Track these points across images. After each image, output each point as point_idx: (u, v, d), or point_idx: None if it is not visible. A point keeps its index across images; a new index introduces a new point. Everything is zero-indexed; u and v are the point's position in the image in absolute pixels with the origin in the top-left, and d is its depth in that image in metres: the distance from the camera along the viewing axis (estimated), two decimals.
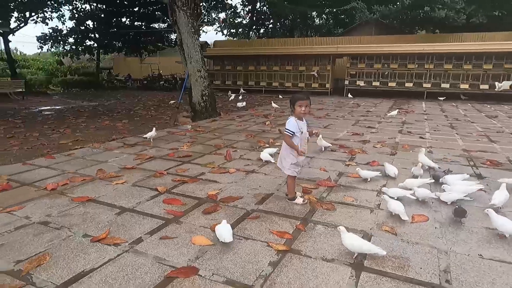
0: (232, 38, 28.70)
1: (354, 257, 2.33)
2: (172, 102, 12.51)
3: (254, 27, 30.40)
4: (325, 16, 29.23)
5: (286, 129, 3.11)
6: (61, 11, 25.56)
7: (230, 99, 12.67)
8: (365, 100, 13.76)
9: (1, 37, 22.31)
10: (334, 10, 24.40)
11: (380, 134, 6.70)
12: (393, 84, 14.84)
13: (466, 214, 2.75)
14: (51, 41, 26.23)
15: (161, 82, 22.65)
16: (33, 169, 4.40)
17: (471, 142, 6.00)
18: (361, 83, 15.28)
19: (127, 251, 2.42)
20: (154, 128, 6.07)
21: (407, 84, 14.71)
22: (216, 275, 2.14)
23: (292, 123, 3.08)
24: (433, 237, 2.63)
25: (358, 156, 5.01)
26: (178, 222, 2.88)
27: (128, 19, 27.84)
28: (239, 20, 28.21)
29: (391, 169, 3.95)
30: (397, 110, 9.80)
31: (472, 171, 4.32)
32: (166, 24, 26.65)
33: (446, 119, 8.85)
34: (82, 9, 26.87)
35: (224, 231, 2.48)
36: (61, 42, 26.73)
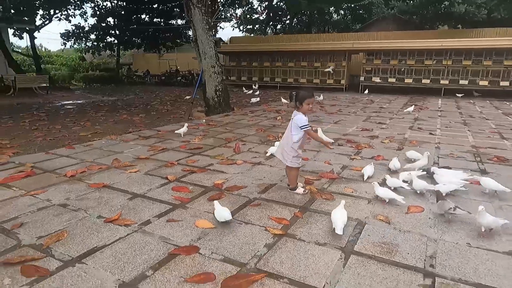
0: (249, 34, 28.86)
1: (346, 243, 2.48)
2: (187, 97, 12.80)
3: (271, 23, 30.41)
4: (342, 12, 28.93)
5: (304, 125, 3.21)
6: (83, 9, 26.41)
7: (247, 93, 13.23)
8: (380, 97, 13.66)
9: (27, 34, 23.27)
10: (352, 5, 24.15)
11: (389, 130, 6.74)
12: (410, 81, 14.64)
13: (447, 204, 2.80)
14: (74, 37, 27.13)
15: (178, 78, 23.08)
16: (55, 158, 4.72)
17: (482, 139, 5.96)
18: (377, 80, 15.14)
19: (136, 231, 2.64)
20: (186, 124, 6.15)
21: (424, 81, 14.48)
22: (215, 254, 2.33)
23: (304, 119, 3.20)
24: (426, 226, 2.74)
25: (364, 151, 5.10)
26: (184, 207, 3.09)
27: (148, 16, 28.40)
28: (256, 16, 28.31)
29: (393, 163, 4.05)
30: (413, 106, 9.73)
31: (477, 166, 4.35)
32: (184, 21, 27.04)
33: (460, 116, 8.75)
34: (103, 6, 27.62)
35: (221, 211, 2.70)
36: (83, 39, 27.64)
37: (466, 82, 13.83)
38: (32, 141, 6.52)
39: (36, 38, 26.61)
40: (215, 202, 2.85)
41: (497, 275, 2.11)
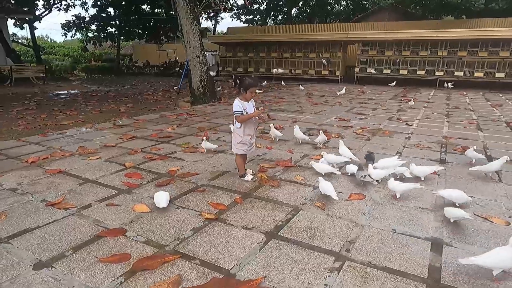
0: (248, 25, 28.66)
1: (272, 228, 2.52)
2: (176, 87, 12.84)
3: (272, 13, 30.14)
4: (344, 2, 28.56)
5: (235, 111, 3.28)
6: None
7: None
8: (373, 88, 13.55)
9: (27, 24, 23.41)
10: None
11: (367, 121, 6.71)
12: (405, 72, 14.47)
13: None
14: (75, 28, 27.26)
15: (176, 69, 23.07)
16: (24, 145, 4.81)
17: (457, 130, 5.92)
18: (372, 71, 15.00)
19: (73, 214, 2.71)
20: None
21: (419, 72, 14.30)
22: (140, 236, 2.39)
23: (237, 105, 3.25)
24: (359, 213, 2.76)
25: (332, 141, 5.09)
26: (130, 192, 3.15)
27: (148, 6, 28.33)
28: (256, 6, 28.06)
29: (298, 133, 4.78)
30: (412, 99, 9.62)
31: (439, 156, 4.35)
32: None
33: (446, 107, 8.66)
34: None
35: (159, 197, 2.75)
36: (84, 29, 27.75)
37: (461, 73, 13.63)
38: (14, 129, 6.66)
39: (37, 28, 26.86)
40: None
41: (408, 260, 2.13)
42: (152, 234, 2.42)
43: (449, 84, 12.97)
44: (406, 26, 15.44)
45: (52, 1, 23.80)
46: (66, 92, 13.92)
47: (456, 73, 13.71)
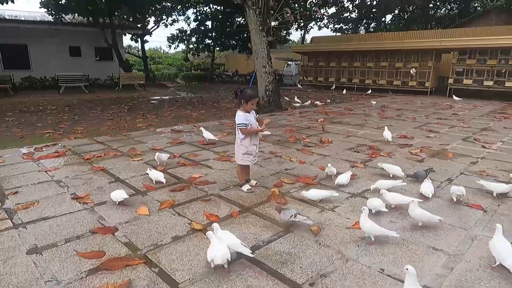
0: (336, 34, 27.94)
1: (251, 246, 2.43)
2: None
3: (365, 21, 28.87)
4: (449, 6, 25.70)
5: (239, 123, 3.28)
6: (186, 14, 29.42)
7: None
8: (467, 102, 11.83)
9: (139, 38, 27.09)
10: None
11: (434, 140, 5.91)
12: None
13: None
14: (178, 40, 30.49)
15: None
16: (92, 143, 5.57)
17: None
18: (470, 82, 13.12)
19: (87, 209, 3.04)
20: (202, 128, 5.91)
21: None
22: (124, 237, 2.56)
23: (241, 117, 3.24)
24: (354, 245, 2.47)
25: (377, 159, 4.65)
26: (144, 194, 3.39)
27: (243, 19, 30.04)
28: (346, 14, 27.22)
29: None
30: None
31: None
32: (277, 23, 27.72)
33: None
34: (203, 12, 30.27)
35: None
36: (185, 42, 30.84)
37: None
38: (100, 129, 7.70)
39: (148, 41, 30.69)
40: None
41: None
42: (136, 236, 2.57)
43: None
44: None
45: (159, 18, 27.07)
46: (157, 97, 15.58)
47: None
